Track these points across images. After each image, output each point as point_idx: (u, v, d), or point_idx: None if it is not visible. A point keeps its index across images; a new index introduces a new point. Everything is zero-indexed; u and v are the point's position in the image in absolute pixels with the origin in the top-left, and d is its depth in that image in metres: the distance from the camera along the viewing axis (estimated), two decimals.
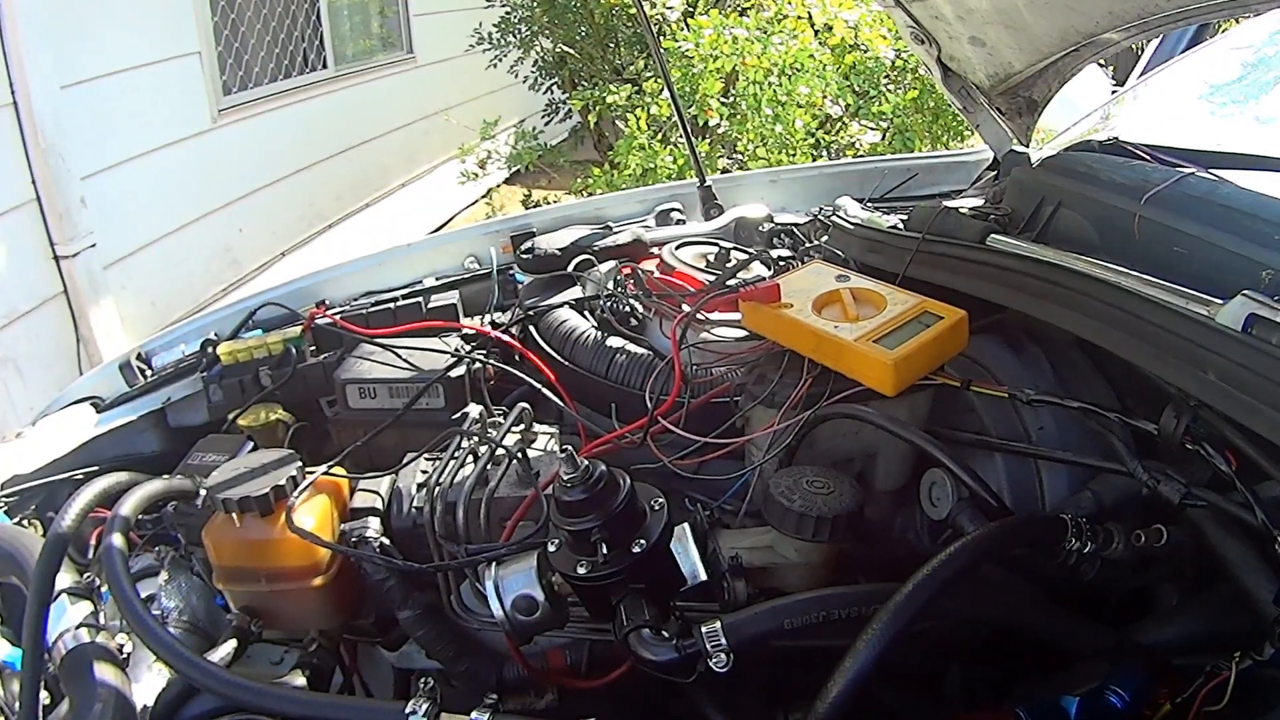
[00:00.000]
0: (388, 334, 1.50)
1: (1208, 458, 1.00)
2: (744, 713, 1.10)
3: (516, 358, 1.45)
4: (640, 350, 1.38)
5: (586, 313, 1.52)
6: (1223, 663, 0.91)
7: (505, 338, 1.46)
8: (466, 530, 1.16)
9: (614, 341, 1.40)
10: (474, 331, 1.50)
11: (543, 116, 5.92)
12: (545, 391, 1.38)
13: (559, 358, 1.41)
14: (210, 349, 1.60)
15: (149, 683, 1.07)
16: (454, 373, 1.39)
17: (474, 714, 0.93)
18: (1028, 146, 1.77)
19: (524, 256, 1.66)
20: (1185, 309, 1.01)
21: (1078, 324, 1.12)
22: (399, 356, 1.44)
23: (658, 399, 1.27)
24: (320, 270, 1.80)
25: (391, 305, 1.57)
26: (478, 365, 1.41)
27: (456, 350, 1.43)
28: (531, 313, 1.53)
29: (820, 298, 1.26)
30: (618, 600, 0.98)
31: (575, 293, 1.55)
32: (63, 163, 3.42)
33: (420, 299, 1.59)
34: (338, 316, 1.57)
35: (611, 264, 1.58)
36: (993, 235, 1.35)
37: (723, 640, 0.89)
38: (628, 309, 1.48)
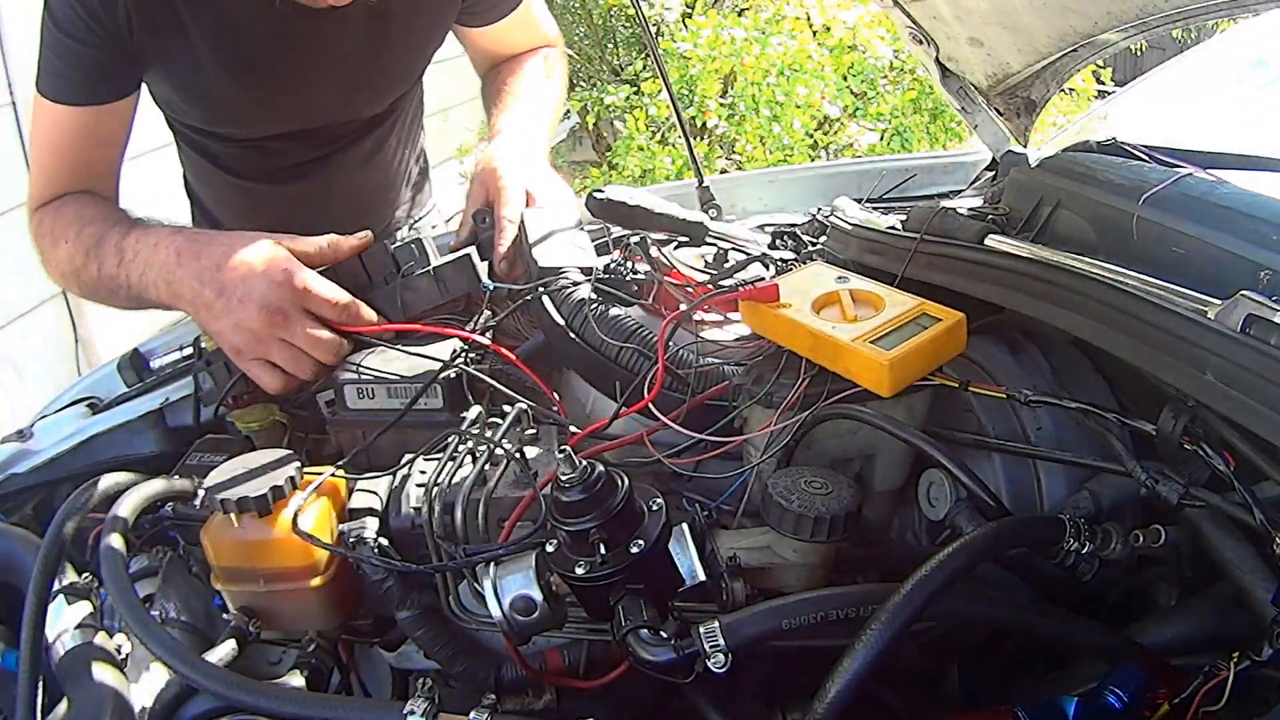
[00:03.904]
0: (380, 330, 1.48)
1: (1206, 458, 1.00)
2: (742, 713, 1.10)
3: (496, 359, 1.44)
4: (649, 332, 1.37)
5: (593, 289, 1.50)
6: (1221, 663, 0.91)
7: (503, 351, 1.45)
8: (465, 531, 1.16)
9: (622, 322, 1.39)
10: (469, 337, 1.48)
11: None
12: (542, 384, 1.37)
13: (569, 331, 1.39)
14: (200, 340, 1.59)
15: (147, 683, 1.07)
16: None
17: (472, 714, 0.93)
18: (1026, 147, 1.77)
19: (593, 198, 1.59)
20: (1183, 309, 1.01)
21: (1076, 324, 1.13)
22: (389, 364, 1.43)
23: (628, 395, 1.28)
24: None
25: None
26: (472, 366, 1.41)
27: (454, 351, 1.43)
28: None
29: (819, 298, 1.27)
30: (616, 601, 0.98)
31: (588, 260, 1.53)
32: None
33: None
34: None
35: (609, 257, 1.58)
36: (991, 235, 1.35)
37: (721, 640, 0.89)
38: (630, 281, 1.48)
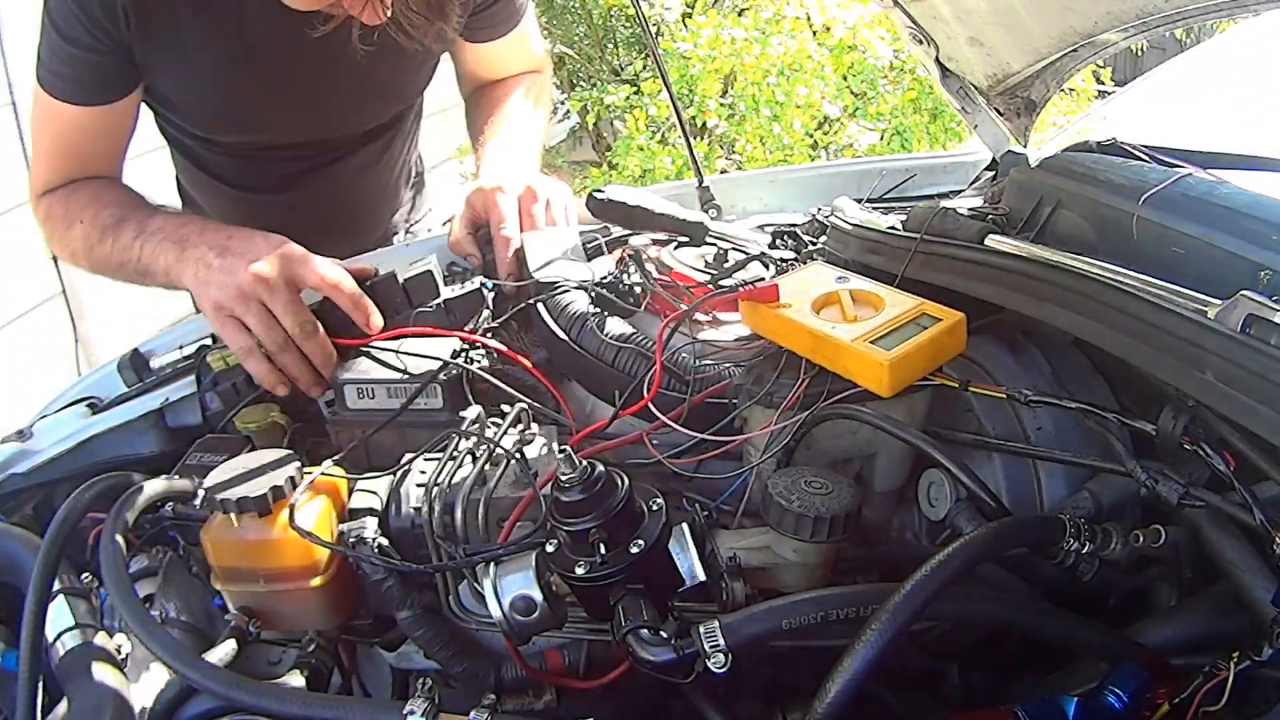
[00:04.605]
0: (374, 340, 1.49)
1: (1206, 458, 1.00)
2: (742, 713, 1.10)
3: (495, 358, 1.45)
4: (646, 338, 1.38)
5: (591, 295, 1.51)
6: (1221, 663, 0.91)
7: (495, 344, 1.46)
8: (465, 531, 1.16)
9: (620, 328, 1.39)
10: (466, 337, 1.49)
11: None
12: (523, 397, 1.38)
13: (567, 339, 1.40)
14: (205, 353, 1.59)
15: (147, 683, 1.07)
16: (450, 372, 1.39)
17: (472, 714, 0.93)
18: (1026, 147, 1.77)
19: (593, 199, 1.61)
20: (1183, 309, 1.01)
21: (1076, 324, 1.13)
22: (384, 365, 1.43)
23: (628, 397, 1.28)
24: None
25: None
26: (471, 365, 1.41)
27: (454, 351, 1.43)
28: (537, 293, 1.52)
29: (819, 298, 1.27)
30: (616, 601, 0.98)
31: (583, 271, 1.54)
32: None
33: (366, 283, 1.54)
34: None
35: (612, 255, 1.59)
36: (991, 235, 1.35)
37: (721, 641, 0.89)
38: (628, 289, 1.48)
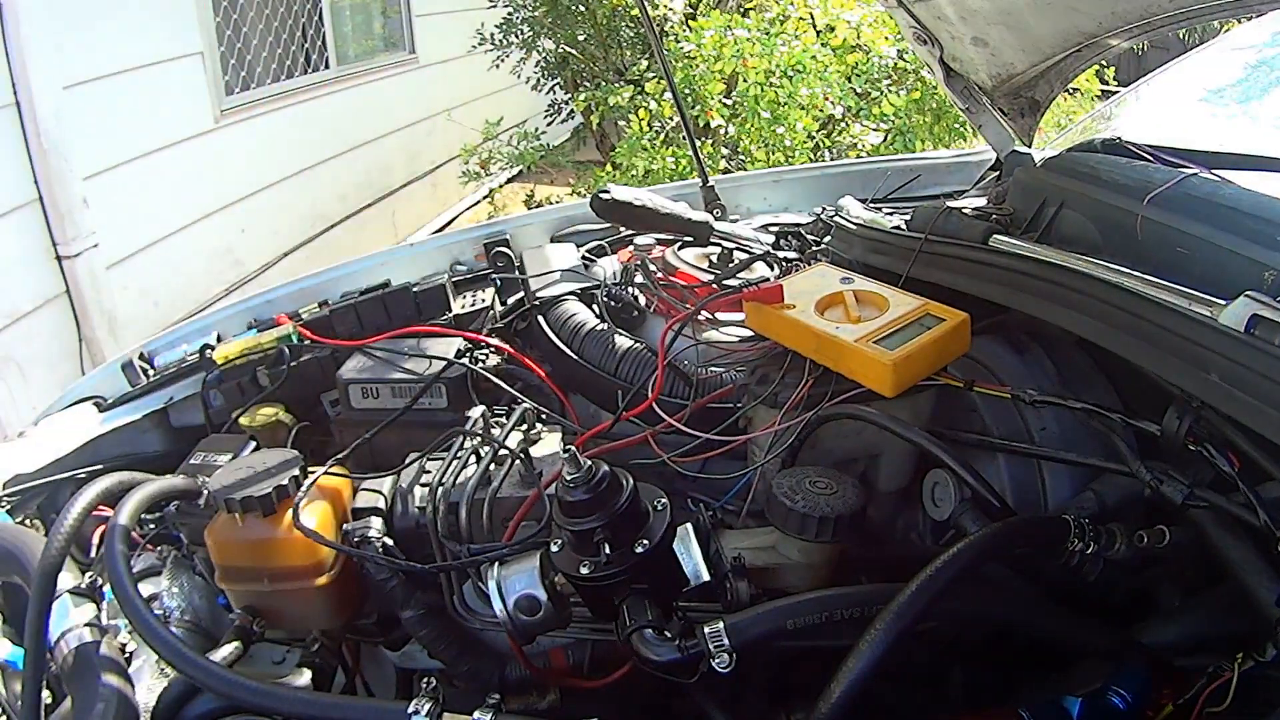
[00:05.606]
0: (373, 341, 1.50)
1: (1210, 458, 1.00)
2: (746, 713, 1.10)
3: (504, 358, 1.46)
4: (646, 348, 1.39)
5: (595, 305, 1.53)
6: (1225, 664, 0.91)
7: (497, 342, 1.47)
8: (469, 530, 1.16)
9: (621, 338, 1.41)
10: (471, 336, 1.50)
11: (545, 117, 5.91)
12: (528, 398, 1.39)
13: (568, 350, 1.41)
14: (208, 350, 1.60)
15: (151, 682, 1.07)
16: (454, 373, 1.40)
17: (476, 714, 0.93)
18: (1030, 147, 1.77)
19: (598, 198, 1.63)
20: (1188, 310, 1.01)
21: (1080, 324, 1.13)
22: (393, 364, 1.44)
23: (633, 397, 1.29)
24: (322, 270, 1.80)
25: (354, 304, 1.58)
26: (476, 365, 1.42)
27: (458, 350, 1.44)
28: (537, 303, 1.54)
29: (823, 299, 1.27)
30: (620, 600, 0.98)
31: (584, 284, 1.55)
32: (65, 163, 3.42)
33: (379, 292, 1.59)
34: (301, 325, 1.57)
35: (612, 256, 1.60)
36: (995, 236, 1.35)
37: (725, 640, 0.89)
38: (632, 298, 1.49)
